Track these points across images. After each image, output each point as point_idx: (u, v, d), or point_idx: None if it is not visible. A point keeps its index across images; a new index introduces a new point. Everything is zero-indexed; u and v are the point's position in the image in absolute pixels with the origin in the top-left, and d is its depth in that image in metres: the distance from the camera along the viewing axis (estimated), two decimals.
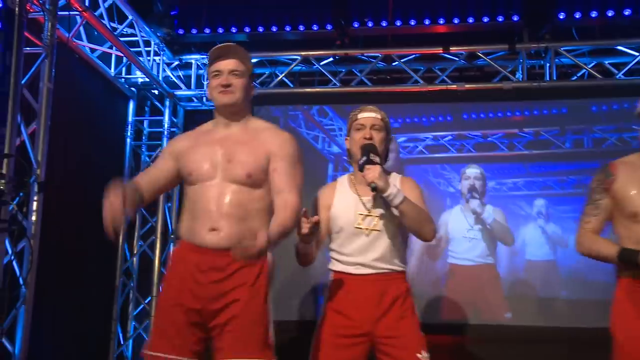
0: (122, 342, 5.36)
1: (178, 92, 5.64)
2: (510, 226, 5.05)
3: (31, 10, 3.77)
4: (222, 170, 2.58)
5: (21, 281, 3.66)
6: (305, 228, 2.53)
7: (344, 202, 2.83)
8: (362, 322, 2.71)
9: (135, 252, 5.57)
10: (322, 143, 5.47)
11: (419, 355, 2.64)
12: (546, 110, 5.34)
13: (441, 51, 5.33)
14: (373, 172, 2.63)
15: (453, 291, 5.03)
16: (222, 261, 2.49)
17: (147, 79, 5.43)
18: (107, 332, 5.29)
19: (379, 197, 2.71)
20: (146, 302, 5.43)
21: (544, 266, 5.09)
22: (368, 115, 2.82)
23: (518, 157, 5.30)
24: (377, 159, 2.68)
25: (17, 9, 3.54)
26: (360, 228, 2.77)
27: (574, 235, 2.74)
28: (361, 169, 2.69)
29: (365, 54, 5.46)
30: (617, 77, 5.19)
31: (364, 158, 2.69)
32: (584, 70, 5.24)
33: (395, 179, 2.83)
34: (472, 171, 5.15)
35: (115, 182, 2.44)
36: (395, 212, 2.71)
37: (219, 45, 2.68)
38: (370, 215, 2.77)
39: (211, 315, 2.51)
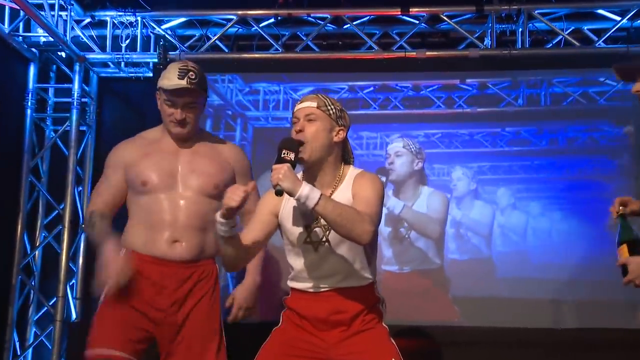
0: (18, 353, 4.55)
1: (90, 56, 4.77)
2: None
3: None
4: (183, 181, 2.76)
5: None
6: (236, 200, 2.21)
7: (291, 209, 2.48)
8: (319, 339, 2.47)
9: (37, 244, 4.75)
10: None
11: None
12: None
13: (399, 13, 4.70)
14: (277, 172, 2.25)
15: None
16: (185, 273, 2.74)
17: (51, 39, 4.55)
18: (1, 340, 4.48)
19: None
20: (50, 304, 4.57)
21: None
22: (301, 105, 2.49)
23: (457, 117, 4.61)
24: (290, 156, 2.32)
25: None
26: (308, 242, 2.44)
27: None
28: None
29: (312, 15, 4.77)
30: (597, 45, 4.61)
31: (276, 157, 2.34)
32: (560, 37, 4.66)
33: (352, 174, 2.49)
34: (394, 147, 4.18)
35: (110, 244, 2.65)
36: None
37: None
38: (318, 226, 2.42)
39: (171, 324, 2.72)
